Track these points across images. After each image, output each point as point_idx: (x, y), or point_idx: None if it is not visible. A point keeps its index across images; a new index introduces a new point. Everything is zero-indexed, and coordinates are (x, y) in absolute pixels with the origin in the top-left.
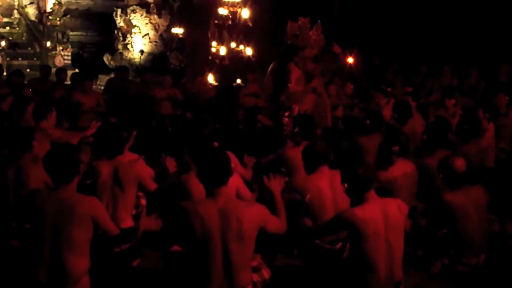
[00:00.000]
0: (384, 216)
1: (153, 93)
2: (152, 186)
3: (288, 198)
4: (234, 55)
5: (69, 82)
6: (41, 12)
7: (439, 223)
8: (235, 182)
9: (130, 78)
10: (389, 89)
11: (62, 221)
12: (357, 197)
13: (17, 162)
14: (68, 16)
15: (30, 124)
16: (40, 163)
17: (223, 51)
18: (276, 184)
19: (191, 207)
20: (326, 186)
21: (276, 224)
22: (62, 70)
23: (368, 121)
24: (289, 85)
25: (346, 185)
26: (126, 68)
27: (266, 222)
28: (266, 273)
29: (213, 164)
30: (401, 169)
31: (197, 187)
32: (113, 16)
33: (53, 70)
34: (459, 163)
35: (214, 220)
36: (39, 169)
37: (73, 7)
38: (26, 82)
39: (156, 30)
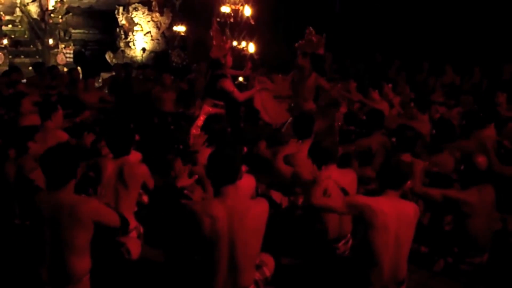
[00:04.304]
0: (397, 214)
1: (154, 91)
2: (152, 184)
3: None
4: (236, 53)
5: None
6: (43, 10)
7: (446, 220)
8: (250, 184)
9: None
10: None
11: (61, 224)
12: (384, 188)
13: (18, 160)
14: (70, 14)
15: (31, 121)
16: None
17: None
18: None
19: (200, 207)
20: (331, 184)
21: None
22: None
23: (368, 120)
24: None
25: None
26: (128, 65)
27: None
28: (267, 270)
29: (218, 162)
30: None
31: None
32: (115, 14)
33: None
34: (482, 160)
35: (222, 221)
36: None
37: (75, 5)
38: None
39: (158, 28)
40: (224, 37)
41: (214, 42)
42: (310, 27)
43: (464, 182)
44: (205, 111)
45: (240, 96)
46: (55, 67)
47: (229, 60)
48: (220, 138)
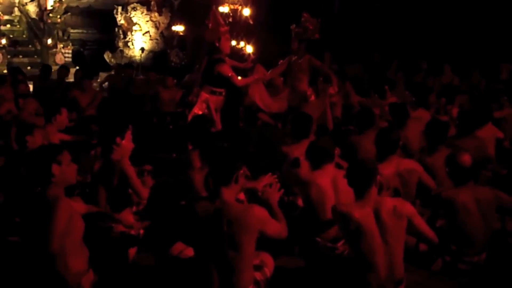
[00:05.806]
0: (376, 215)
1: (155, 91)
2: (137, 184)
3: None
4: (234, 53)
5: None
6: (42, 9)
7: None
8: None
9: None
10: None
11: (43, 224)
12: (358, 192)
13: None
14: (69, 13)
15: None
16: None
17: None
18: (273, 195)
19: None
20: (328, 185)
21: (276, 228)
22: (63, 68)
23: (360, 119)
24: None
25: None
26: (131, 66)
27: (265, 226)
28: (268, 271)
29: (213, 163)
30: (395, 167)
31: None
32: (113, 14)
33: (54, 67)
34: (466, 158)
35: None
36: None
37: (74, 4)
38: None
39: (156, 27)
40: (222, 22)
41: (210, 25)
42: (306, 13)
43: (453, 183)
44: (202, 98)
45: (239, 81)
46: (64, 66)
47: (226, 46)
48: (204, 141)
